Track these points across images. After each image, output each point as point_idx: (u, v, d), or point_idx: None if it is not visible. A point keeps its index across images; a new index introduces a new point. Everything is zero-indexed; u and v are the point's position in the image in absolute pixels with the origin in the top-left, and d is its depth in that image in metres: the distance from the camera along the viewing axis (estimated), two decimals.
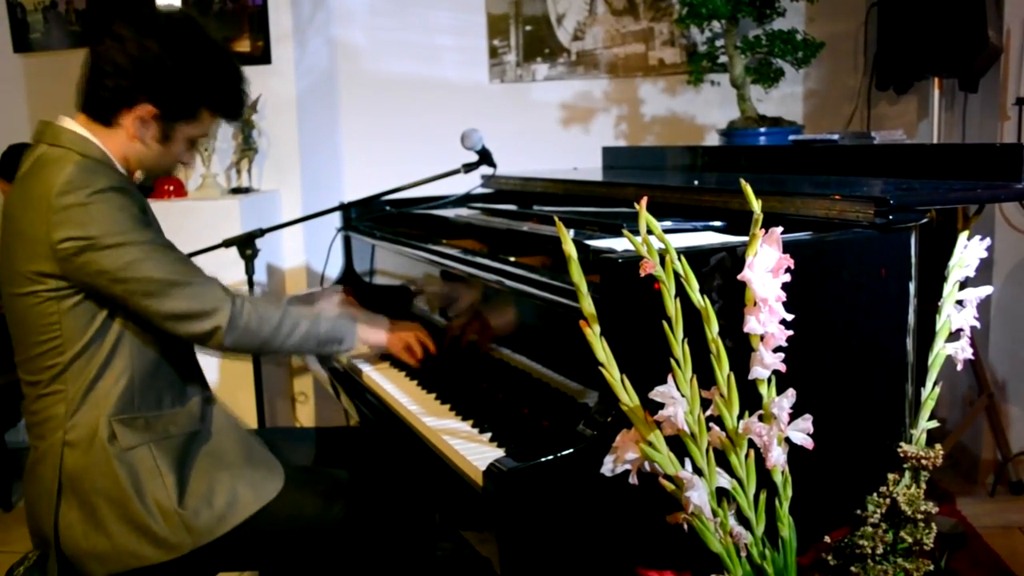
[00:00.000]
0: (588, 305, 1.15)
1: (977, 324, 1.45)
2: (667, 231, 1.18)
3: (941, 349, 1.43)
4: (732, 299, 1.33)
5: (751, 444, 1.17)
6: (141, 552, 1.66)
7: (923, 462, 1.33)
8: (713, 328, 1.15)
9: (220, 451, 1.78)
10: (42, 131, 1.72)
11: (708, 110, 3.92)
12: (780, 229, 1.16)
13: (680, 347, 1.14)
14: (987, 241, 1.47)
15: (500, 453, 1.55)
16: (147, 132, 1.73)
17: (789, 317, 1.15)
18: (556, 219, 1.22)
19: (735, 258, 1.43)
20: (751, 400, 1.17)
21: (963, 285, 1.46)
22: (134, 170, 1.79)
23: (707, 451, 1.15)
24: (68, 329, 1.66)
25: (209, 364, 2.22)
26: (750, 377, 1.16)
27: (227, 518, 1.70)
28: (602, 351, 1.15)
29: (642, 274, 1.14)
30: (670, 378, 1.14)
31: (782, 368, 1.16)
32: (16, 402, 3.74)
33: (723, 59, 3.48)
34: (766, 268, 1.15)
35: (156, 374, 1.74)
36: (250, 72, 3.80)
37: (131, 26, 1.69)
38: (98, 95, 1.71)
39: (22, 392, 1.77)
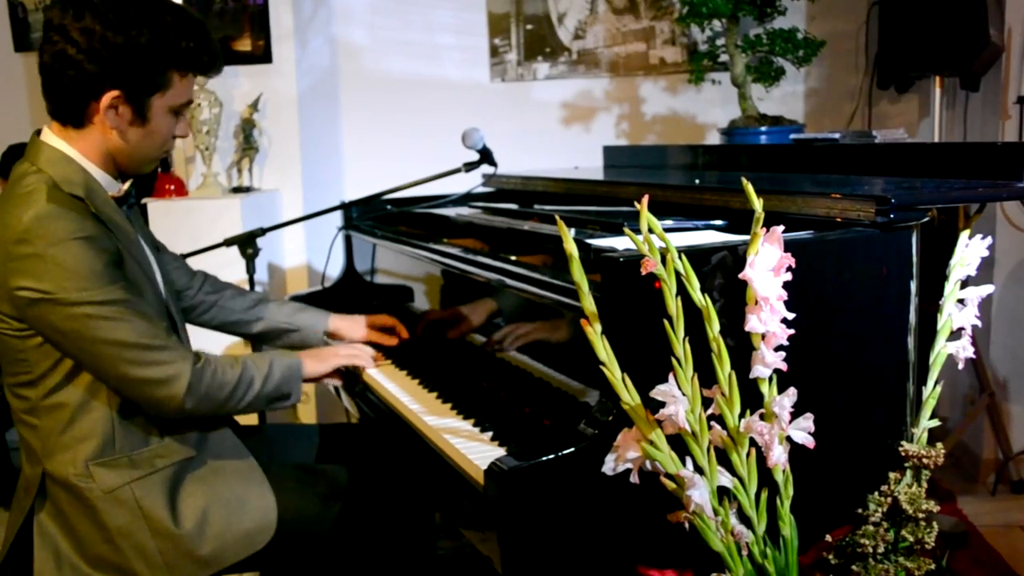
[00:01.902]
0: (589, 304, 1.15)
1: (978, 323, 1.45)
2: (668, 230, 1.18)
3: (942, 348, 1.43)
4: (733, 298, 1.33)
5: (752, 443, 1.17)
6: None
7: (924, 461, 1.33)
8: (714, 327, 1.16)
9: (216, 484, 1.71)
10: (29, 145, 1.63)
11: (709, 109, 3.92)
12: (781, 228, 1.16)
13: (681, 346, 1.14)
14: (988, 240, 1.47)
15: (501, 452, 1.55)
16: (121, 120, 1.59)
17: (790, 316, 1.15)
18: (557, 218, 1.22)
19: (736, 257, 1.43)
20: (752, 399, 1.18)
21: (964, 284, 1.46)
22: (125, 167, 1.67)
23: (708, 450, 1.15)
24: (37, 367, 1.59)
25: None
26: (751, 376, 1.16)
27: (211, 565, 1.67)
28: (603, 350, 1.15)
29: (643, 273, 1.14)
30: (671, 377, 1.14)
31: (783, 367, 1.16)
32: None
33: (724, 58, 3.47)
34: (767, 267, 1.15)
35: (140, 411, 1.65)
36: (251, 71, 3.82)
37: (65, 13, 1.53)
38: (60, 97, 1.57)
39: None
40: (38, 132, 1.64)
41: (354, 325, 2.19)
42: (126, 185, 1.71)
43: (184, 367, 1.59)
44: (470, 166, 2.65)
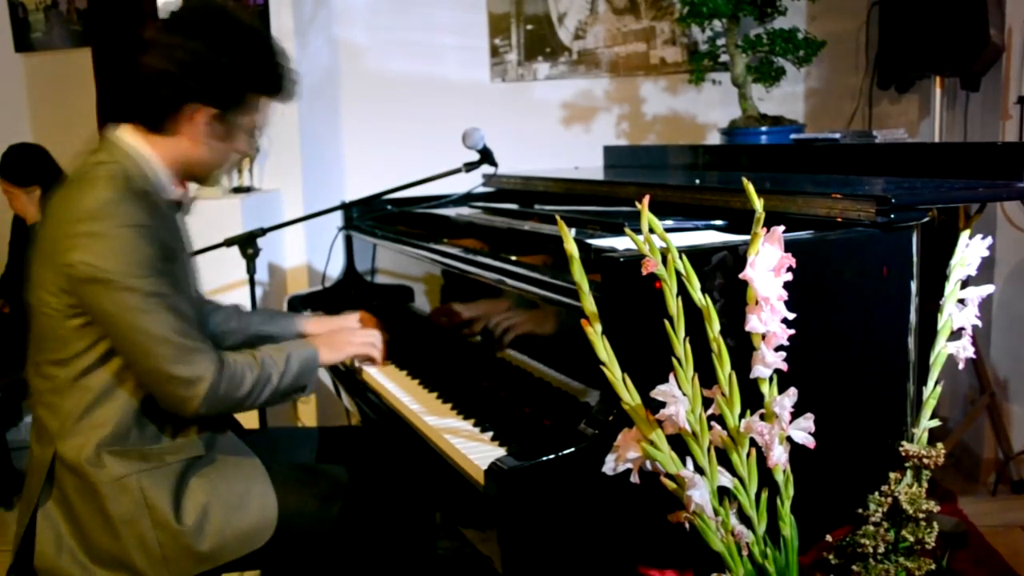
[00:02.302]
0: (590, 304, 1.15)
1: (979, 323, 1.45)
2: (668, 230, 1.18)
3: (943, 348, 1.43)
4: (734, 298, 1.33)
5: (752, 443, 1.17)
6: None
7: (925, 461, 1.33)
8: (715, 327, 1.16)
9: (219, 483, 1.73)
10: (103, 141, 1.70)
11: (709, 109, 3.92)
12: (782, 228, 1.16)
13: (682, 346, 1.14)
14: (988, 240, 1.47)
15: (501, 452, 1.55)
16: (205, 132, 1.69)
17: (791, 316, 1.15)
18: (557, 218, 1.22)
19: (737, 257, 1.43)
20: (753, 399, 1.18)
21: (965, 284, 1.46)
22: (195, 174, 1.76)
23: (709, 450, 1.15)
24: (72, 347, 1.63)
25: None
26: (751, 376, 1.16)
27: (208, 562, 1.68)
28: (603, 350, 1.15)
29: (644, 273, 1.14)
30: (671, 377, 1.14)
31: (783, 367, 1.16)
32: (17, 402, 3.74)
33: (724, 58, 3.47)
34: (768, 267, 1.15)
35: (159, 408, 1.68)
36: None
37: (165, 29, 1.67)
38: (146, 105, 1.68)
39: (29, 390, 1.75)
40: (104, 131, 1.72)
41: (328, 327, 2.18)
42: (192, 192, 1.80)
43: (210, 370, 1.62)
44: (470, 166, 2.65)
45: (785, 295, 1.15)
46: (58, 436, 1.66)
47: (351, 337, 1.98)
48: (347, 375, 2.23)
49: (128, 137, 1.69)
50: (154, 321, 1.57)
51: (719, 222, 1.89)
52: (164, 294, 1.59)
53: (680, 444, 1.16)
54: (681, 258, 1.16)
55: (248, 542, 1.72)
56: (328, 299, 2.88)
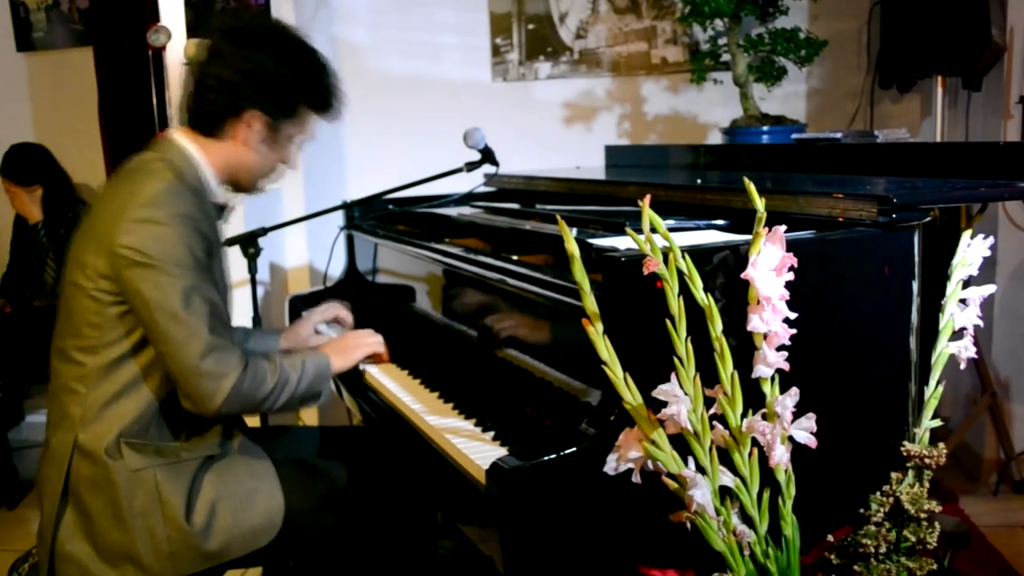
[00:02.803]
0: (591, 303, 1.15)
1: (980, 323, 1.45)
2: (670, 230, 1.18)
3: (944, 348, 1.43)
4: (735, 298, 1.33)
5: (754, 443, 1.17)
6: (124, 571, 1.67)
7: (926, 461, 1.33)
8: (716, 326, 1.16)
9: (229, 481, 1.75)
10: (153, 141, 1.79)
11: (711, 108, 3.92)
12: (783, 228, 1.16)
13: (683, 345, 1.14)
14: (990, 240, 1.47)
15: (503, 452, 1.55)
16: (254, 137, 1.77)
17: (792, 316, 1.15)
18: (559, 218, 1.22)
19: (738, 256, 1.43)
20: (754, 398, 1.17)
21: (966, 284, 1.46)
22: (241, 180, 1.83)
23: (710, 450, 1.15)
24: (107, 335, 1.66)
25: None
26: (753, 376, 1.16)
27: (214, 558, 1.70)
28: (605, 349, 1.15)
29: (645, 272, 1.14)
30: (673, 376, 1.14)
31: (785, 367, 1.16)
32: (19, 400, 3.75)
33: (726, 57, 3.47)
34: (769, 267, 1.15)
35: (180, 408, 1.70)
36: None
37: (229, 41, 1.75)
38: (204, 110, 1.76)
39: (48, 375, 1.76)
40: (159, 134, 1.81)
41: (301, 330, 2.20)
42: (237, 197, 1.87)
43: (236, 369, 1.64)
44: (472, 166, 2.65)
45: (787, 295, 1.15)
46: (80, 423, 1.68)
47: (359, 340, 1.99)
48: (349, 375, 2.23)
49: (181, 139, 1.77)
50: (191, 312, 1.60)
51: (721, 222, 1.89)
52: (203, 288, 1.63)
53: (682, 444, 1.16)
54: (683, 258, 1.16)
55: (254, 540, 1.73)
56: (329, 299, 2.88)
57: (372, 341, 2.00)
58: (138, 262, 1.59)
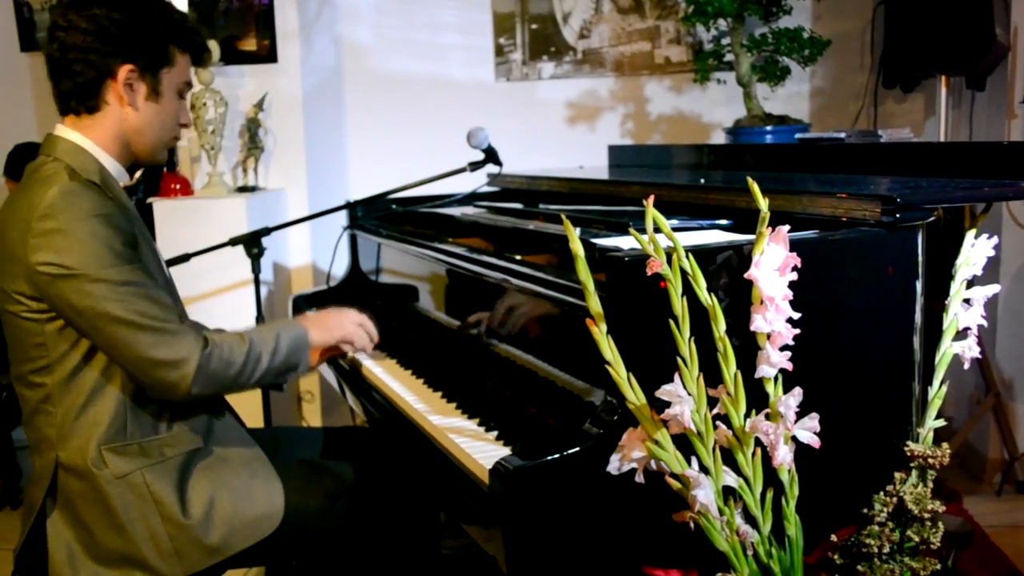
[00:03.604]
0: (595, 303, 1.15)
1: (984, 323, 1.45)
2: (673, 229, 1.17)
3: (948, 348, 1.43)
4: (739, 297, 1.33)
5: (758, 443, 1.17)
6: None
7: (930, 461, 1.33)
8: (720, 326, 1.15)
9: (223, 472, 1.74)
10: (43, 142, 1.71)
11: (714, 108, 3.92)
12: (787, 227, 1.16)
13: (687, 345, 1.14)
14: (994, 240, 1.47)
15: (506, 451, 1.55)
16: (136, 94, 1.70)
17: (796, 316, 1.15)
18: (563, 217, 1.22)
19: (742, 256, 1.43)
20: (758, 399, 1.17)
21: (970, 284, 1.46)
22: (138, 150, 1.76)
23: (714, 450, 1.15)
24: (54, 352, 1.62)
25: None
26: (757, 376, 1.16)
27: (220, 551, 1.69)
28: (609, 349, 1.15)
29: (649, 272, 1.14)
30: (677, 376, 1.14)
31: (789, 367, 1.16)
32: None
33: (729, 57, 3.47)
34: (773, 266, 1.15)
35: (150, 398, 1.68)
36: (256, 71, 3.82)
37: (71, 8, 1.66)
38: (75, 84, 1.67)
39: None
40: (47, 135, 1.72)
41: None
42: (137, 174, 1.76)
43: (195, 351, 1.61)
44: (475, 165, 2.65)
45: (790, 295, 1.15)
46: (58, 441, 1.66)
47: (342, 319, 1.96)
48: (352, 375, 2.24)
49: (64, 131, 1.70)
50: (129, 309, 1.56)
51: (724, 221, 1.89)
52: (134, 281, 1.58)
53: (685, 444, 1.16)
54: (686, 257, 1.16)
55: (257, 530, 1.72)
56: (333, 298, 2.88)
57: (355, 322, 1.97)
58: (59, 276, 1.54)
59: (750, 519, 1.19)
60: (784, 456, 1.15)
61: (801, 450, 1.18)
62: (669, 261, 1.14)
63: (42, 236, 1.54)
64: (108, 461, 1.64)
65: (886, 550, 1.27)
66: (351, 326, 1.96)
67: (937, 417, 1.41)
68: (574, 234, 1.15)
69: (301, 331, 1.82)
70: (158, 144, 1.79)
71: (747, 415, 1.16)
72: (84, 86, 1.67)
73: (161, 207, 3.35)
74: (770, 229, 1.15)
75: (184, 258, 2.61)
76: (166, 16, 1.74)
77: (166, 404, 1.70)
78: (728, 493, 1.18)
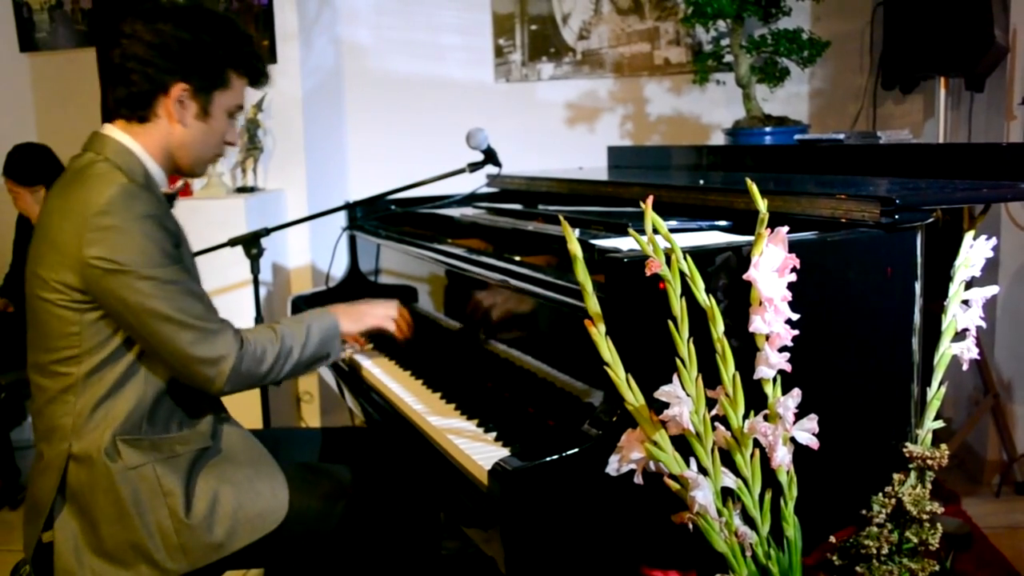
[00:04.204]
0: (593, 304, 1.15)
1: (983, 324, 1.45)
2: (672, 230, 1.18)
3: (947, 349, 1.43)
4: (737, 299, 1.33)
5: (756, 444, 1.17)
6: (139, 571, 1.67)
7: (928, 462, 1.33)
8: (719, 328, 1.16)
9: (227, 469, 1.76)
10: (89, 140, 1.75)
11: (713, 109, 3.92)
12: (786, 229, 1.16)
13: (685, 346, 1.14)
14: (993, 241, 1.47)
15: (505, 452, 1.55)
16: (186, 112, 1.74)
17: (794, 317, 1.15)
18: (562, 218, 1.22)
19: (741, 258, 1.43)
20: (756, 400, 1.18)
21: (969, 285, 1.46)
22: (182, 163, 1.80)
23: (712, 451, 1.15)
24: (87, 342, 1.66)
25: None
26: (755, 377, 1.16)
27: (224, 546, 1.70)
28: (607, 350, 1.15)
29: (648, 273, 1.14)
30: (675, 377, 1.14)
31: (787, 368, 1.16)
32: (21, 400, 3.75)
33: (728, 58, 3.47)
34: (772, 268, 1.15)
35: (169, 398, 1.74)
36: None
37: (139, 19, 1.71)
38: (129, 93, 1.72)
39: (31, 393, 1.76)
40: (93, 133, 1.77)
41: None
42: (178, 183, 1.80)
43: (233, 349, 1.68)
44: (474, 166, 2.65)
45: (789, 296, 1.15)
46: (72, 432, 1.67)
47: (372, 308, 2.04)
48: (351, 375, 2.23)
49: (114, 132, 1.73)
50: (175, 307, 1.62)
51: (723, 223, 1.89)
52: (180, 280, 1.64)
53: (684, 445, 1.16)
54: (685, 259, 1.16)
55: (261, 525, 1.73)
56: (332, 299, 2.88)
57: (385, 314, 2.05)
58: (111, 271, 1.59)
59: (749, 520, 1.19)
60: (783, 457, 1.15)
61: (800, 451, 1.18)
62: (668, 262, 1.15)
63: (99, 232, 1.59)
64: (122, 452, 1.67)
65: (885, 551, 1.27)
66: (382, 314, 2.04)
67: (936, 418, 1.41)
68: (573, 235, 1.15)
69: (331, 320, 1.89)
70: (200, 160, 1.84)
71: (746, 416, 1.16)
72: (137, 96, 1.72)
73: None
74: (769, 230, 1.16)
75: None
76: (230, 39, 1.77)
77: (180, 405, 1.75)
78: (727, 494, 1.18)
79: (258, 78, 1.85)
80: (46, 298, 1.65)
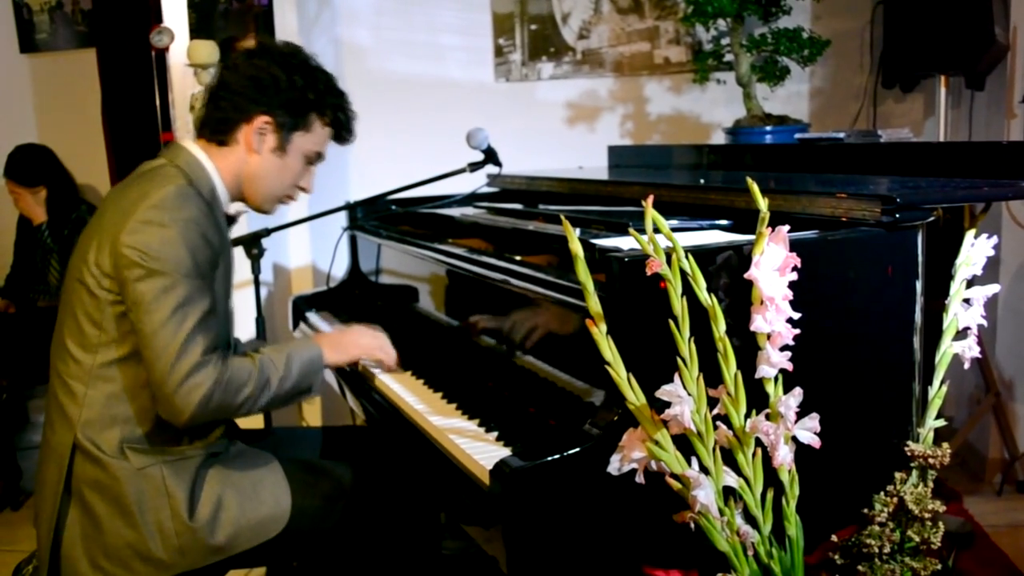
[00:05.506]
0: (594, 304, 1.15)
1: (984, 322, 1.45)
2: (673, 230, 1.18)
3: (948, 347, 1.43)
4: (739, 298, 1.33)
5: (758, 443, 1.17)
6: (134, 569, 1.67)
7: (930, 461, 1.33)
8: (720, 327, 1.15)
9: (233, 473, 1.76)
10: (165, 148, 1.82)
11: (714, 108, 3.92)
12: (787, 227, 1.16)
13: (687, 346, 1.14)
14: (994, 239, 1.46)
15: (506, 452, 1.55)
16: (264, 143, 1.80)
17: (796, 315, 1.15)
18: (562, 218, 1.22)
19: (741, 257, 1.43)
20: (758, 399, 1.17)
21: (970, 283, 1.46)
22: (250, 195, 1.85)
23: (714, 450, 1.15)
24: (106, 334, 1.67)
25: None
26: (757, 376, 1.16)
27: (224, 550, 1.71)
28: (608, 350, 1.15)
29: (648, 273, 1.14)
30: (677, 377, 1.14)
31: (789, 367, 1.16)
32: (23, 404, 3.75)
33: (729, 57, 3.47)
34: (773, 267, 1.15)
35: None
36: None
37: (243, 53, 1.83)
38: (215, 116, 1.79)
39: (48, 376, 1.77)
40: (172, 143, 1.84)
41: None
42: (238, 208, 1.90)
43: (206, 385, 1.61)
44: (475, 166, 2.65)
45: (790, 295, 1.15)
46: (79, 424, 1.68)
47: (358, 339, 1.99)
48: (352, 375, 2.23)
49: (192, 147, 1.80)
50: (177, 323, 1.60)
51: (724, 222, 1.89)
52: (197, 298, 1.63)
53: (685, 444, 1.16)
54: (686, 258, 1.16)
55: (263, 530, 1.74)
56: (332, 299, 2.88)
57: (371, 344, 1.99)
58: (138, 262, 1.60)
59: (750, 519, 1.19)
60: (784, 456, 1.15)
61: (801, 450, 1.18)
62: (669, 261, 1.14)
63: (142, 222, 1.62)
64: (130, 456, 1.68)
65: (887, 550, 1.27)
66: (368, 344, 1.99)
67: (937, 417, 1.40)
68: (573, 235, 1.15)
69: (315, 352, 1.84)
70: (269, 196, 1.88)
71: (747, 415, 1.16)
72: (222, 121, 1.79)
73: None
74: (770, 229, 1.15)
75: None
76: (321, 87, 1.85)
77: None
78: (728, 493, 1.18)
79: (341, 132, 1.92)
80: (83, 279, 1.67)
